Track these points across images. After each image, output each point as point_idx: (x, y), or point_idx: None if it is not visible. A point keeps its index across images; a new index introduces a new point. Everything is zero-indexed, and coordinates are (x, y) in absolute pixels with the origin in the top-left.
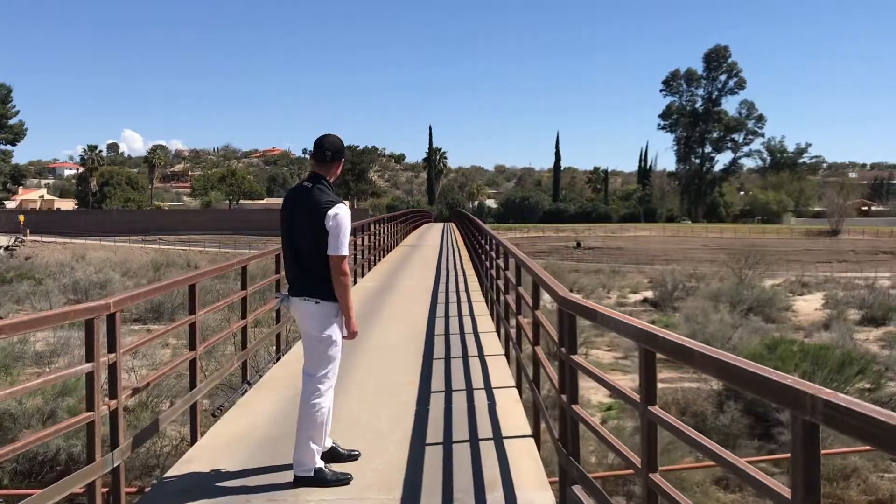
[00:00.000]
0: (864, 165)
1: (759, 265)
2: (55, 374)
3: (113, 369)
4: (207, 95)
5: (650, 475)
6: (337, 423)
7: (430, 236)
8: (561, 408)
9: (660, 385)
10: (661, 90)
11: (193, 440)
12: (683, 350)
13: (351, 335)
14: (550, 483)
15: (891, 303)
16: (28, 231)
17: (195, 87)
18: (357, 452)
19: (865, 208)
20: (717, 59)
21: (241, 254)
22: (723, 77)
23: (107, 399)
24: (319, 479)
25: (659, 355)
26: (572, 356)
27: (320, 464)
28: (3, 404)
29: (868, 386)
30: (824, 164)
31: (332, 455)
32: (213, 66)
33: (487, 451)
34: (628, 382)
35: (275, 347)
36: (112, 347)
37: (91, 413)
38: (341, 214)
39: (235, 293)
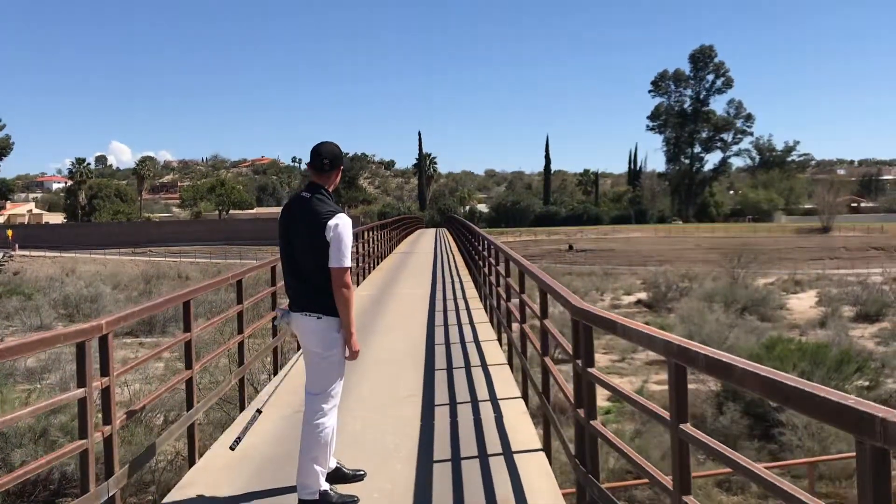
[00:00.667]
0: (851, 162)
1: (751, 264)
2: (45, 402)
3: (106, 393)
4: (195, 106)
5: (683, 497)
6: (340, 441)
7: (424, 242)
8: (578, 423)
9: (656, 387)
10: (649, 91)
11: (191, 462)
12: (721, 365)
13: (352, 355)
14: (564, 495)
15: (884, 299)
16: (17, 246)
17: (183, 98)
18: (362, 472)
19: (855, 205)
20: (703, 59)
21: (232, 264)
22: (710, 77)
23: (100, 423)
24: (325, 503)
25: (653, 355)
26: (589, 369)
27: (325, 486)
28: None
29: (866, 384)
30: (813, 162)
31: (336, 476)
32: (201, 77)
33: (498, 467)
34: (626, 385)
35: (271, 360)
36: (105, 370)
37: (84, 441)
38: (342, 224)
39: (230, 306)
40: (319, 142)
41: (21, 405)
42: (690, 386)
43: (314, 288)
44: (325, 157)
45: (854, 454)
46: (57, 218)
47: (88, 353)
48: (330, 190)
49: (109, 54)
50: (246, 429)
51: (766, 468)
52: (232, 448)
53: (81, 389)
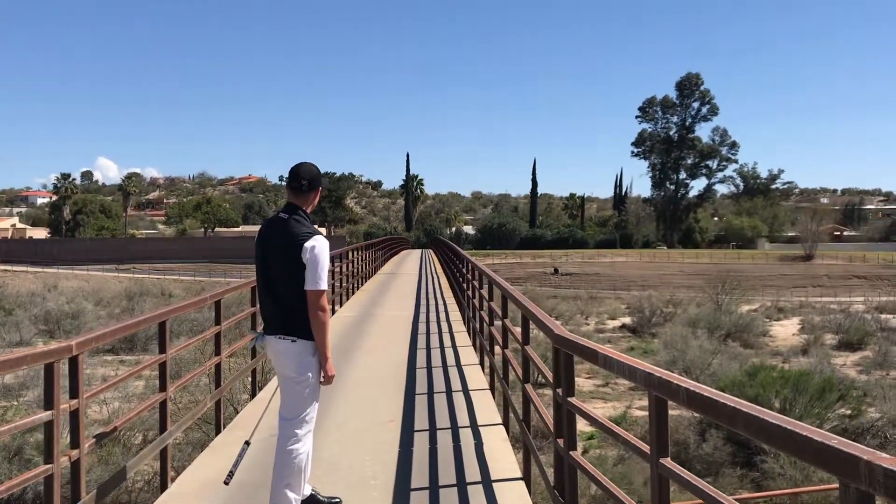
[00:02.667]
0: (835, 191)
1: (735, 291)
2: (9, 425)
3: (75, 416)
4: (182, 122)
5: None
6: (316, 467)
7: (409, 263)
8: (557, 453)
9: (639, 412)
10: (636, 117)
11: (163, 487)
12: (704, 400)
13: (327, 380)
14: None
15: (866, 328)
16: None
17: (170, 115)
18: (338, 500)
19: (838, 233)
20: (689, 86)
21: (216, 282)
22: (696, 104)
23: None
24: None
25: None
26: (570, 399)
27: None
28: None
29: (849, 412)
30: (796, 190)
31: (311, 503)
32: (188, 94)
33: (476, 496)
34: (609, 411)
35: (250, 381)
36: (74, 393)
37: (49, 466)
38: (319, 246)
39: (209, 325)
40: (298, 162)
41: None
42: (674, 412)
43: (289, 310)
44: (304, 177)
45: (836, 485)
46: (41, 233)
47: (57, 375)
48: (308, 211)
49: (97, 69)
50: (237, 462)
51: (748, 498)
52: (226, 483)
53: (48, 412)
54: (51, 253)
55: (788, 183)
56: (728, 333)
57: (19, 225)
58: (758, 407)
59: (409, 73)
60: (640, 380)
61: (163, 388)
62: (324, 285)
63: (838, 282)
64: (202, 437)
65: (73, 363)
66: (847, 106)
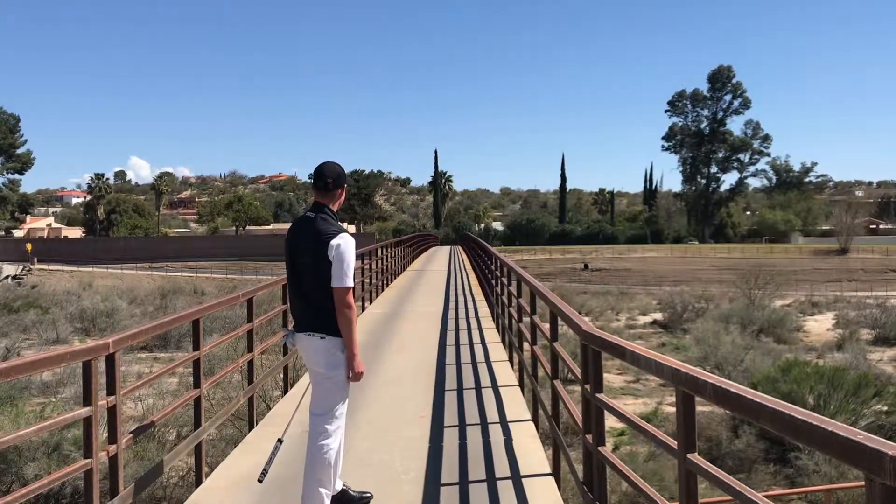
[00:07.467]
0: (870, 183)
1: (768, 285)
2: (51, 420)
3: (112, 412)
4: (214, 122)
5: None
6: (347, 462)
7: (438, 260)
8: (586, 449)
9: (671, 409)
10: (666, 111)
11: (198, 482)
12: (730, 396)
13: (355, 377)
14: None
15: None
16: (35, 259)
17: (202, 115)
18: (369, 494)
19: (873, 227)
20: (721, 79)
21: (247, 280)
22: (728, 97)
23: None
24: None
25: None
26: (598, 395)
27: None
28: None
29: (885, 409)
30: (830, 183)
31: (342, 498)
32: (220, 93)
33: (506, 491)
34: (640, 407)
35: (282, 377)
36: (112, 389)
37: (89, 461)
38: (345, 244)
39: (241, 322)
40: (322, 161)
41: (35, 418)
42: (705, 409)
43: (318, 308)
44: (329, 176)
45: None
46: (75, 232)
47: (94, 372)
48: (335, 209)
49: (129, 70)
50: (270, 460)
51: (781, 494)
52: (260, 480)
53: (87, 408)
54: (85, 252)
55: (822, 176)
56: (761, 329)
57: (55, 225)
58: (783, 402)
59: (438, 69)
60: (668, 376)
61: (197, 384)
62: (350, 282)
63: (874, 276)
64: (235, 433)
65: (110, 360)
66: (881, 96)
